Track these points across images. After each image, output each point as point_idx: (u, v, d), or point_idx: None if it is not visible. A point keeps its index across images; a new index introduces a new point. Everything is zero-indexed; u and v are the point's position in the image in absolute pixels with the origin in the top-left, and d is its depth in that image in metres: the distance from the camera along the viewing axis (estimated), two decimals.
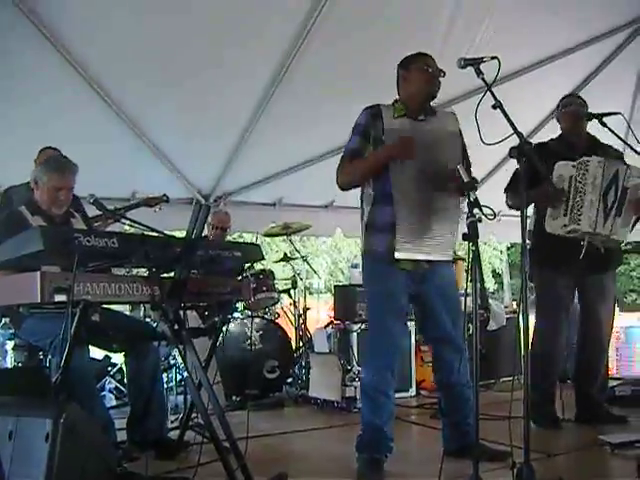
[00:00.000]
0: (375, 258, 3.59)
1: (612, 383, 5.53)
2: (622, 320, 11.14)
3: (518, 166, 4.46)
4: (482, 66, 3.21)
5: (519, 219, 3.04)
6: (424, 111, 3.65)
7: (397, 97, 3.72)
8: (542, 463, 3.41)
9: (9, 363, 3.32)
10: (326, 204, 8.33)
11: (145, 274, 3.28)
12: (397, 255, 3.48)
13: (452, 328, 3.66)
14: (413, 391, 5.85)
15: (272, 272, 6.17)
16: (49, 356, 3.73)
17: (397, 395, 5.39)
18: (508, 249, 27.17)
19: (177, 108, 6.18)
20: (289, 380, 6.08)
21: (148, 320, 5.06)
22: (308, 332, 6.28)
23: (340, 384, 5.16)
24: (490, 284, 26.88)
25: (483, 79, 3.18)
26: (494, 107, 3.11)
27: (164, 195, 5.28)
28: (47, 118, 5.69)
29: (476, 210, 3.00)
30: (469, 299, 2.92)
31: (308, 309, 6.27)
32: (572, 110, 4.53)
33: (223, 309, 3.88)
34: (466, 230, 2.93)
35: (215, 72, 5.89)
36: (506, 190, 4.55)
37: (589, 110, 4.47)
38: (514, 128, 3.09)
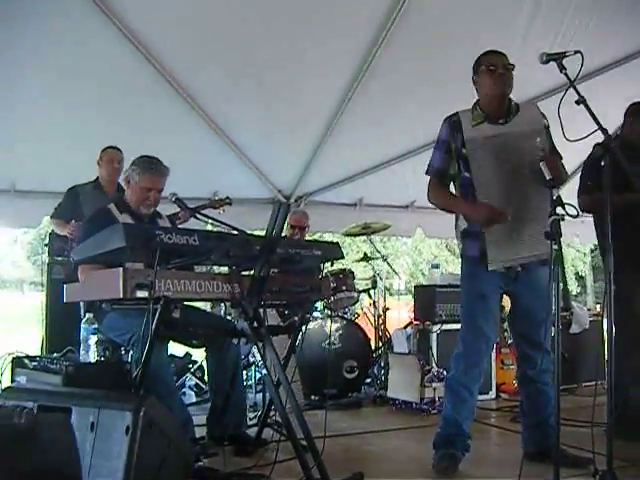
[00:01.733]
0: (469, 261, 3.67)
1: None
2: None
3: (586, 165, 4.43)
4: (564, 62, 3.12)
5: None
6: (504, 111, 3.59)
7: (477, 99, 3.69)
8: (624, 471, 3.27)
9: (92, 358, 3.39)
10: (407, 204, 8.28)
11: (224, 272, 3.33)
12: (490, 268, 3.53)
13: (540, 329, 3.61)
14: (493, 394, 5.74)
15: (352, 272, 6.15)
16: (130, 351, 3.80)
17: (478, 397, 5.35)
18: (592, 251, 26.40)
19: (257, 106, 6.24)
20: (367, 380, 6.05)
21: (229, 318, 5.11)
22: (387, 333, 6.22)
23: (419, 385, 5.11)
24: (573, 287, 26.17)
25: (566, 74, 3.08)
26: (577, 102, 3.00)
27: (227, 197, 5.46)
28: (127, 117, 5.85)
29: (559, 209, 2.91)
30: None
31: (388, 309, 6.21)
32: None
33: (303, 307, 3.88)
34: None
35: (296, 69, 5.91)
36: (580, 193, 4.40)
37: None
38: (598, 124, 2.98)
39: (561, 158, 3.60)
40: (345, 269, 6.12)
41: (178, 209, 4.52)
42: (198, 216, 4.01)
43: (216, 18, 5.24)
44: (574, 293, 23.59)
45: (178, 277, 3.07)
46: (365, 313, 6.61)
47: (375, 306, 6.34)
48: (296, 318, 5.52)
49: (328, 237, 13.63)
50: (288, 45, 5.62)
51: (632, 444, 3.86)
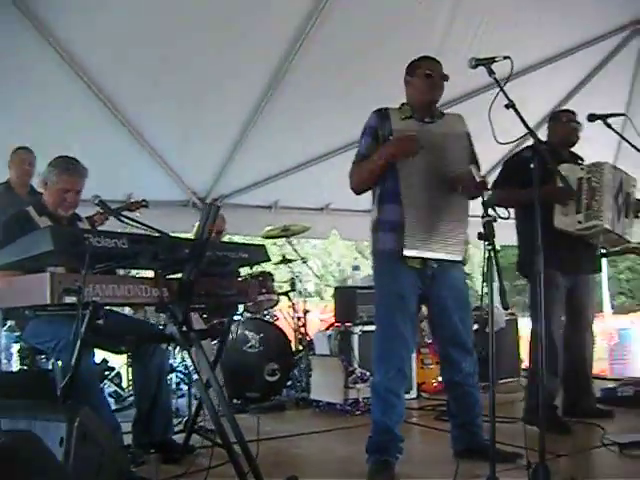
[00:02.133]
0: (384, 256, 3.59)
1: (609, 384, 5.57)
2: (616, 322, 11.27)
3: (510, 164, 4.60)
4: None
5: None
6: (430, 114, 3.67)
7: (404, 101, 3.73)
8: (552, 463, 3.37)
9: (14, 366, 3.25)
10: (322, 207, 8.32)
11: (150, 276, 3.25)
12: (405, 252, 3.47)
13: (461, 329, 3.65)
14: (414, 393, 5.82)
15: (271, 274, 6.13)
16: (52, 359, 3.67)
17: None
18: (497, 252, 27.19)
19: (174, 109, 6.18)
20: (289, 383, 6.03)
21: (152, 322, 5.01)
22: (308, 335, 6.23)
23: (343, 386, 5.12)
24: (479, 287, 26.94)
25: (495, 79, 3.19)
26: (507, 107, 3.11)
27: (143, 200, 5.36)
28: (39, 116, 5.65)
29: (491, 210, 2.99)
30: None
31: (308, 312, 6.22)
32: (574, 126, 4.67)
33: (230, 311, 3.83)
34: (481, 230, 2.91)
35: (213, 72, 5.90)
36: (495, 187, 4.53)
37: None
38: (527, 127, 3.10)
39: (479, 168, 3.64)
40: (265, 271, 6.10)
41: (94, 212, 4.43)
42: (122, 219, 3.90)
43: (136, 20, 5.18)
44: (479, 294, 24.18)
45: (107, 282, 2.97)
46: (284, 316, 6.59)
47: (294, 308, 6.33)
48: (215, 322, 5.53)
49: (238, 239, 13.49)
50: (207, 49, 5.62)
51: (560, 437, 4.02)
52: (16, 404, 2.63)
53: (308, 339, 6.13)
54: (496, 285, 2.89)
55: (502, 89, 3.12)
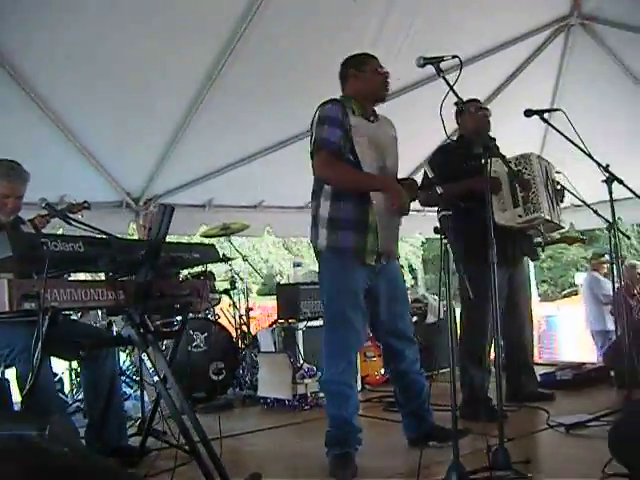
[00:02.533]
0: (339, 253, 3.56)
1: (542, 369, 5.77)
2: (543, 309, 11.69)
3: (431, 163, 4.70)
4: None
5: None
6: (372, 112, 3.73)
7: (341, 95, 3.75)
8: (508, 447, 3.49)
9: None
10: (255, 204, 8.32)
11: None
12: (369, 250, 3.53)
13: (402, 319, 3.76)
14: (359, 386, 5.87)
15: (212, 273, 6.11)
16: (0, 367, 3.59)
17: None
18: (422, 245, 27.83)
19: (108, 109, 6.05)
20: (234, 381, 6.03)
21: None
22: (251, 333, 6.24)
23: (291, 382, 5.15)
24: (408, 279, 27.47)
25: (444, 77, 3.26)
26: (456, 104, 3.21)
27: (85, 202, 5.23)
28: None
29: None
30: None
31: (251, 309, 6.23)
32: (484, 113, 4.81)
33: (183, 311, 3.81)
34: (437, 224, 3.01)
35: (147, 73, 5.80)
36: (420, 188, 4.64)
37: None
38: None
39: None
40: (205, 271, 6.07)
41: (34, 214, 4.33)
42: (70, 221, 3.82)
43: (71, 20, 5.06)
44: (407, 285, 24.65)
45: (64, 286, 2.95)
46: (224, 314, 6.58)
47: (235, 307, 6.33)
48: (158, 323, 5.49)
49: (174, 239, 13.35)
50: (141, 50, 5.52)
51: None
52: None
53: (252, 336, 6.13)
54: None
55: (452, 88, 3.20)
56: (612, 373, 5.48)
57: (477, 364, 4.58)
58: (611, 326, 8.67)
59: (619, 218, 7.01)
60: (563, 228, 4.82)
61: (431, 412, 3.83)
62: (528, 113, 4.43)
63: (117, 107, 6.07)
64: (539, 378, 5.29)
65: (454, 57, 3.22)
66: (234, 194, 8.00)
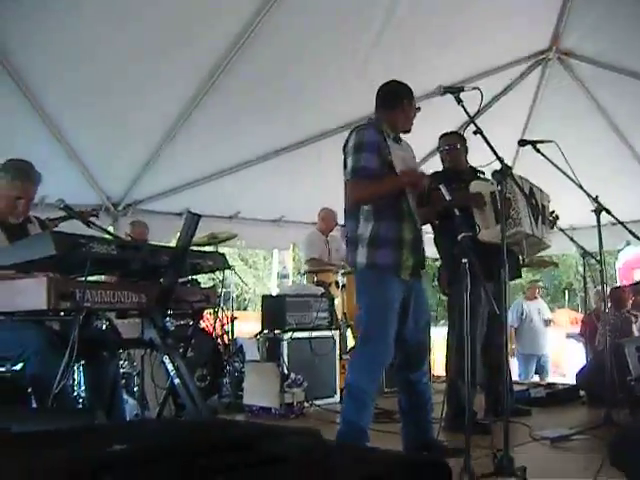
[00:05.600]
0: (378, 270, 3.70)
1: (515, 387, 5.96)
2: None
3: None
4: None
5: None
6: (399, 137, 3.92)
7: (374, 116, 3.93)
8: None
9: None
10: (230, 215, 8.40)
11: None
12: (402, 275, 3.71)
13: (423, 332, 3.94)
14: (337, 397, 5.97)
15: (199, 282, 6.16)
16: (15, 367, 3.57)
17: (323, 402, 5.61)
18: None
19: (98, 111, 6.13)
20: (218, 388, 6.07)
21: None
22: (234, 341, 6.30)
23: (279, 391, 5.23)
24: None
25: (463, 107, 3.42)
26: (475, 133, 3.37)
27: (94, 209, 5.29)
28: None
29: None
30: None
31: (236, 318, 6.29)
32: (455, 153, 4.98)
33: (195, 316, 3.90)
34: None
35: (140, 81, 5.91)
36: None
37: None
38: (495, 153, 3.35)
39: None
40: (192, 280, 6.11)
41: None
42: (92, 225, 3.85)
43: (68, 18, 5.12)
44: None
45: (96, 288, 3.02)
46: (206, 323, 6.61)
47: (217, 315, 6.38)
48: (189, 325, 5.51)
49: None
50: (136, 56, 5.63)
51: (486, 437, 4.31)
52: (28, 413, 2.62)
53: (237, 345, 6.19)
54: None
55: (472, 120, 3.37)
56: (582, 392, 5.71)
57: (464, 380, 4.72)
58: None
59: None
60: (549, 247, 5.02)
61: (432, 425, 3.95)
62: (522, 143, 4.67)
63: (107, 111, 6.15)
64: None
65: (474, 89, 3.39)
66: (211, 204, 8.07)
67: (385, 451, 1.29)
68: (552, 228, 5.02)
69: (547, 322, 9.76)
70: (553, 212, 5.00)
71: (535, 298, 10.08)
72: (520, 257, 5.15)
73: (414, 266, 3.77)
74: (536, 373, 9.69)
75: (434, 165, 5.41)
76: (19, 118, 5.83)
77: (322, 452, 1.15)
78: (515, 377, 8.70)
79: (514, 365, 9.48)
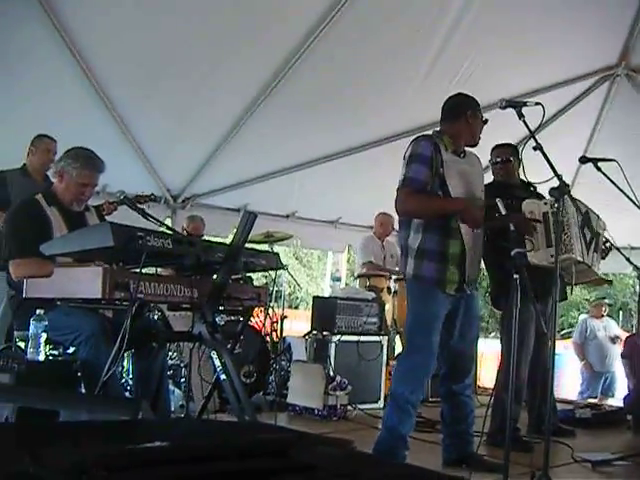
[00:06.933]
0: (423, 282, 3.75)
1: (560, 406, 5.85)
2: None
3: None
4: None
5: None
6: (462, 149, 3.88)
7: (439, 129, 3.91)
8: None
9: (42, 356, 3.27)
10: (287, 214, 8.46)
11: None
12: (447, 290, 3.71)
13: (471, 346, 3.97)
14: (381, 403, 5.97)
15: (251, 278, 6.22)
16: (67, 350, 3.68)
17: (367, 406, 5.60)
18: None
19: (165, 107, 6.29)
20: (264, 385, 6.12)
21: None
22: (284, 340, 6.35)
23: (323, 392, 5.26)
24: None
25: (524, 122, 3.39)
26: (535, 149, 3.33)
27: (152, 194, 5.32)
28: (33, 98, 5.70)
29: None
30: None
31: (286, 317, 6.34)
32: (508, 165, 4.91)
33: (245, 314, 3.95)
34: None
35: (210, 75, 6.06)
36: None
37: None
38: (554, 170, 3.32)
39: None
40: (244, 276, 6.17)
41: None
42: (148, 215, 3.92)
43: (142, 17, 5.26)
44: None
45: (149, 280, 3.08)
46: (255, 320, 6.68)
47: (267, 314, 6.43)
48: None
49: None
50: (204, 58, 5.82)
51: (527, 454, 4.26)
52: (74, 396, 2.70)
53: (286, 344, 6.24)
54: None
55: (533, 135, 3.33)
56: (629, 417, 5.59)
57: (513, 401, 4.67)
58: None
59: None
60: (597, 276, 4.90)
61: (473, 438, 3.94)
62: (583, 160, 4.56)
63: (174, 107, 6.29)
64: (559, 414, 5.39)
65: (537, 104, 3.36)
66: (268, 202, 8.16)
67: (420, 468, 1.29)
68: (604, 258, 4.91)
69: (614, 339, 9.38)
70: (607, 241, 4.88)
71: (602, 316, 9.71)
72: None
73: (461, 281, 3.75)
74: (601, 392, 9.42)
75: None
76: (88, 109, 6.00)
77: (352, 464, 1.17)
78: (575, 394, 8.59)
79: (577, 381, 9.31)
